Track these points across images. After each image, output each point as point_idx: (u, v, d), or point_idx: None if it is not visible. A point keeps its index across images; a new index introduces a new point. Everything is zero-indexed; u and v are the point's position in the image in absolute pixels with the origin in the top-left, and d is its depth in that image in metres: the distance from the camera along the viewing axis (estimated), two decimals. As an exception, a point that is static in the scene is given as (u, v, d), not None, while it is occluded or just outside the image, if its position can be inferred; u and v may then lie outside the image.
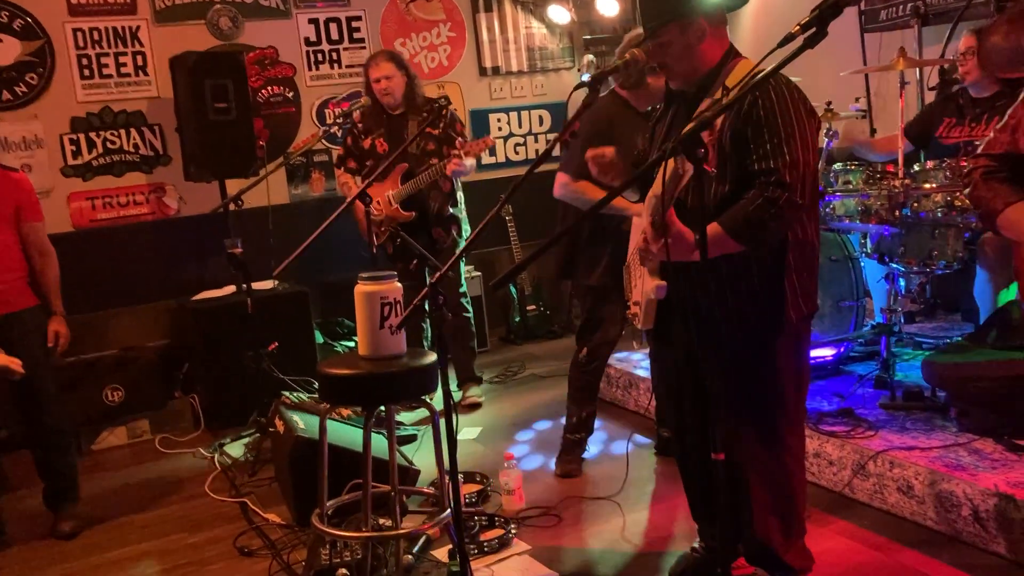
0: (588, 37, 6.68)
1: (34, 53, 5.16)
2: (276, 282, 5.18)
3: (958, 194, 3.52)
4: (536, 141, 6.66)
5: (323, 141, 5.85)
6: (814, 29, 1.73)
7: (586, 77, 2.77)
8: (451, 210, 4.81)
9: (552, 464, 3.95)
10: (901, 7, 4.99)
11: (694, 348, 2.47)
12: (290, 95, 5.88)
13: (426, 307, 2.21)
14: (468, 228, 4.91)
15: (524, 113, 6.61)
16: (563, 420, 3.94)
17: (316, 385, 4.56)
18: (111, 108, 5.38)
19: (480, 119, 6.44)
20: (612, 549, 3.20)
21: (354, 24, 6.03)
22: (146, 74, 5.44)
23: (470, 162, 4.57)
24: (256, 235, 5.25)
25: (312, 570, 2.95)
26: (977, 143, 3.79)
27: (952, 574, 2.78)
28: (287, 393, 4.25)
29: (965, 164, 3.53)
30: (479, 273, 6.15)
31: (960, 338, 3.75)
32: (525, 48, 6.59)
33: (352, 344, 5.46)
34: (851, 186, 3.76)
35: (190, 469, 4.44)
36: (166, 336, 5.43)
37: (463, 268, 5.07)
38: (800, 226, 2.39)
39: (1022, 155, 2.06)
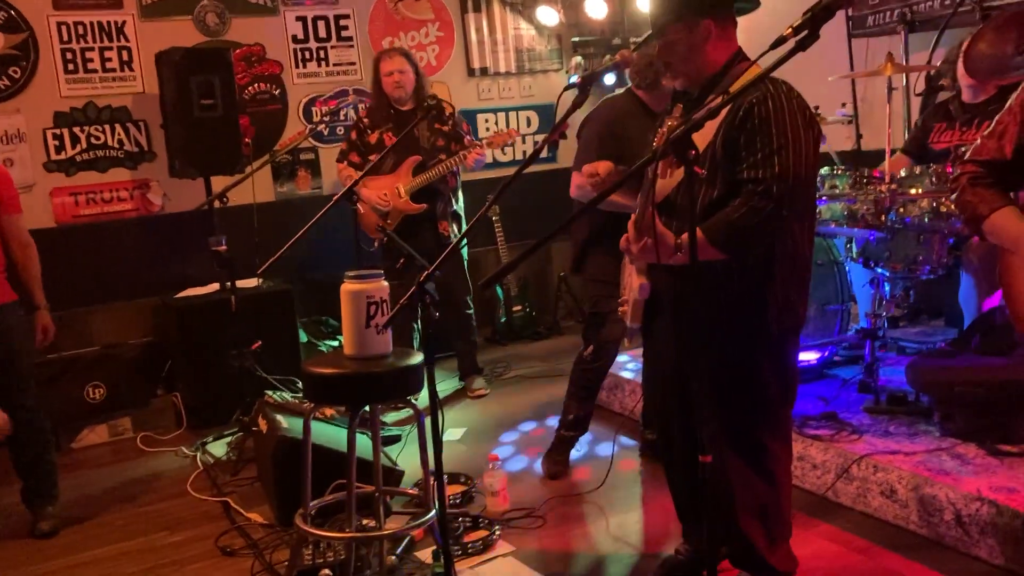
0: (576, 39, 6.68)
1: (17, 46, 5.11)
2: (260, 280, 5.15)
3: (944, 200, 3.54)
4: (524, 142, 6.65)
5: (309, 139, 5.83)
6: (806, 32, 1.73)
7: (574, 79, 2.77)
8: (455, 206, 4.93)
9: (537, 465, 3.94)
10: (888, 13, 5.02)
11: (681, 349, 2.47)
12: (277, 92, 5.84)
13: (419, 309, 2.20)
14: (466, 226, 4.97)
15: (512, 114, 6.60)
16: (549, 421, 3.94)
17: (300, 384, 4.55)
18: (95, 103, 5.33)
19: (468, 120, 6.37)
20: (596, 551, 3.20)
21: (342, 22, 6.00)
22: (131, 69, 5.39)
23: (489, 153, 4.73)
24: (241, 233, 5.21)
25: (295, 570, 2.93)
26: (965, 148, 3.82)
27: (934, 578, 2.79)
28: (271, 392, 4.23)
29: (951, 170, 3.55)
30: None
31: (944, 343, 3.77)
32: (513, 49, 6.58)
33: (336, 343, 5.44)
34: (837, 190, 3.77)
35: (172, 468, 4.40)
36: (149, 334, 5.38)
37: (465, 263, 5.12)
38: (791, 238, 2.36)
39: (1008, 161, 2.07)
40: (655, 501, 3.52)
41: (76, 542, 3.64)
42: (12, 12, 5.08)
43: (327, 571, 2.91)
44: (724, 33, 2.39)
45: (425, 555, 3.17)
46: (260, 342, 4.58)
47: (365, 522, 3.02)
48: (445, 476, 2.35)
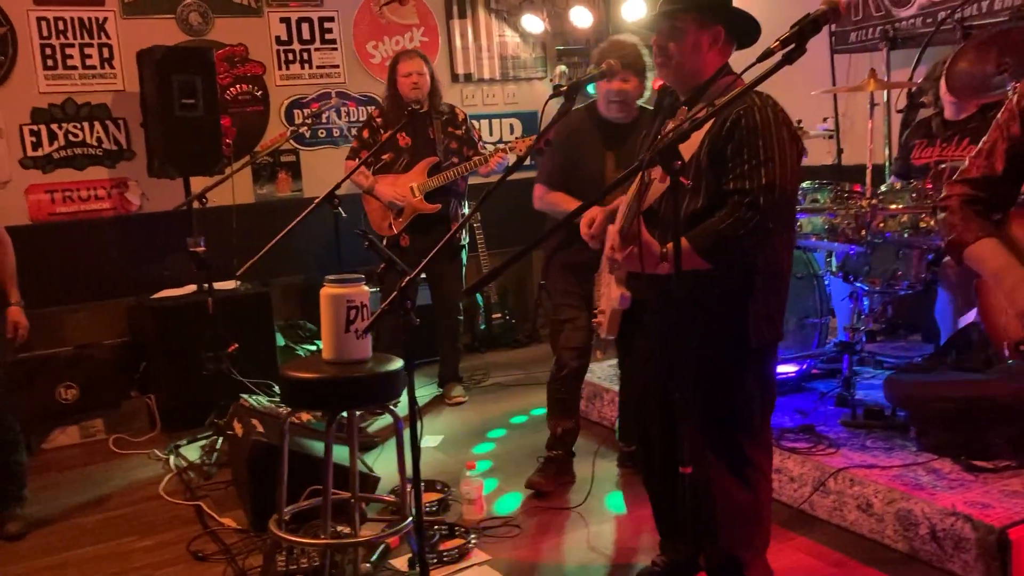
0: (561, 48, 6.70)
1: (-4, 41, 5.05)
2: (238, 282, 5.11)
3: (923, 216, 3.57)
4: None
5: (291, 141, 5.80)
6: (793, 45, 1.73)
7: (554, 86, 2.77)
8: (464, 209, 5.01)
9: (515, 473, 3.92)
10: (871, 30, 5.06)
11: (663, 359, 2.46)
12: (259, 94, 5.81)
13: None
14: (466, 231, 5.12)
15: (496, 121, 6.60)
16: (526, 430, 3.92)
17: (276, 388, 4.51)
18: (74, 100, 5.27)
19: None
20: (573, 561, 3.18)
21: (326, 25, 5.98)
22: (112, 67, 5.34)
23: (512, 158, 4.77)
24: (219, 234, 5.17)
25: (268, 577, 2.90)
26: (946, 164, 3.85)
27: (909, 592, 2.80)
28: (246, 396, 4.19)
29: (931, 186, 3.59)
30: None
31: (921, 358, 3.80)
32: (498, 56, 6.59)
33: (313, 348, 5.41)
34: (819, 204, 3.79)
35: (144, 471, 4.34)
36: (124, 334, 5.32)
37: (464, 270, 5.14)
38: (772, 252, 2.37)
39: (1000, 177, 2.09)
40: (633, 511, 3.51)
41: (44, 545, 3.57)
42: (-9, 6, 5.02)
43: (300, 578, 2.88)
44: (725, 48, 2.40)
45: (400, 563, 3.14)
46: (237, 345, 4.54)
47: (340, 528, 2.99)
48: (422, 483, 2.33)
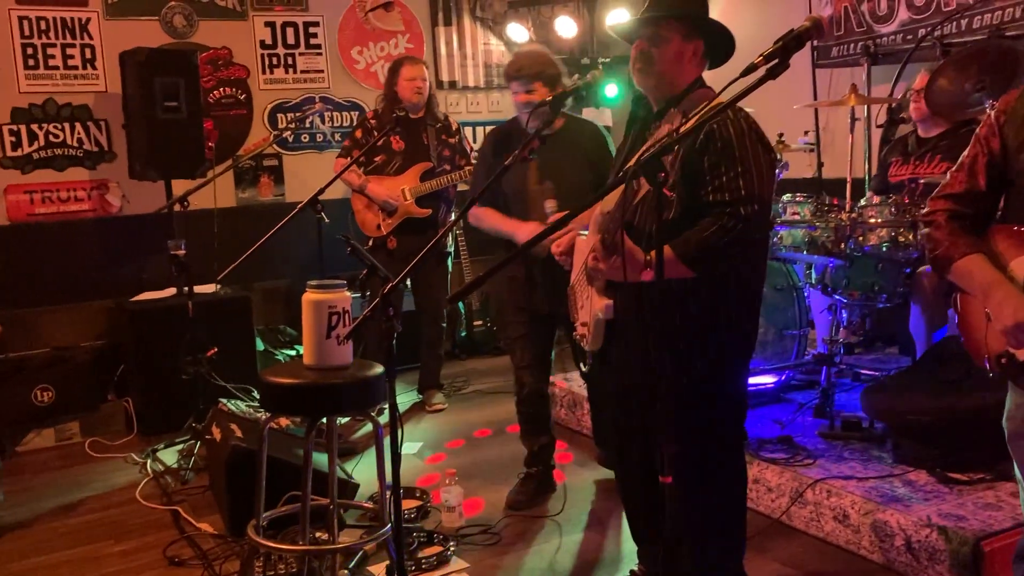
0: (545, 57, 6.71)
1: (-23, 39, 5.01)
2: (218, 286, 5.08)
3: (902, 230, 3.61)
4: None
5: (274, 146, 5.78)
6: (777, 60, 1.75)
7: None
8: (451, 217, 5.05)
9: (493, 481, 3.92)
10: (852, 45, 5.12)
11: (637, 370, 2.47)
12: (242, 97, 5.79)
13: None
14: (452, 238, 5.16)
15: (480, 129, 6.61)
16: (507, 437, 3.92)
17: (255, 393, 4.49)
18: (55, 100, 5.24)
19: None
20: (552, 569, 3.19)
21: (311, 30, 5.97)
22: (94, 68, 5.31)
23: None
24: (200, 238, 5.14)
25: (244, 583, 2.88)
26: (922, 180, 3.89)
27: (884, 603, 2.82)
28: (225, 400, 4.16)
29: (908, 200, 3.63)
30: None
31: (898, 371, 3.83)
32: (483, 64, 6.60)
33: (293, 353, 5.39)
34: (799, 217, 3.82)
35: (121, 475, 4.30)
36: (102, 337, 5.27)
37: (449, 277, 5.15)
38: (746, 262, 2.40)
39: (983, 191, 2.11)
40: (611, 520, 3.52)
41: (17, 549, 3.53)
42: (-28, 5, 4.98)
43: (278, 584, 2.86)
44: (702, 62, 2.44)
45: (378, 569, 3.13)
46: (216, 349, 4.52)
47: (318, 535, 2.98)
48: (401, 490, 2.33)
